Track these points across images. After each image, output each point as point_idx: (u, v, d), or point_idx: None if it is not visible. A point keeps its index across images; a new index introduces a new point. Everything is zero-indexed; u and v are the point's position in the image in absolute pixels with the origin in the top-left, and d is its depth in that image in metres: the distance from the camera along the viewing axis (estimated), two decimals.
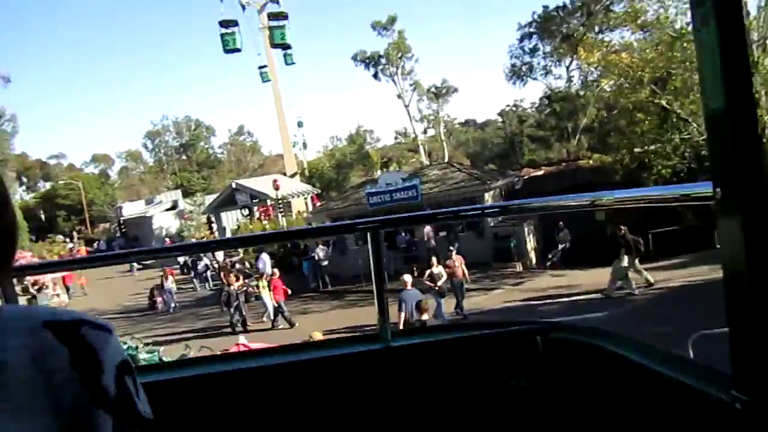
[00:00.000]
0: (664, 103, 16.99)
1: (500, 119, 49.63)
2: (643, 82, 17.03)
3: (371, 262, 1.41)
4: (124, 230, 42.47)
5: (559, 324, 1.47)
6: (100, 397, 0.81)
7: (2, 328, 0.79)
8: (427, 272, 13.73)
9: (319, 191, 34.90)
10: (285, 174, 34.38)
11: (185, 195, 42.24)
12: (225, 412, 1.31)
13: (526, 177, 25.00)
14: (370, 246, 1.40)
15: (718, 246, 0.82)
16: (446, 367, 1.38)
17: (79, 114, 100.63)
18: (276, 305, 15.17)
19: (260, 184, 29.49)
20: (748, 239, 0.74)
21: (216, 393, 1.34)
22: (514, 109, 45.76)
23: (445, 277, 13.58)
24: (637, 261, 13.55)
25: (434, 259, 14.12)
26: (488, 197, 20.16)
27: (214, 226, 31.28)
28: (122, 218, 43.18)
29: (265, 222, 27.39)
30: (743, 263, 0.74)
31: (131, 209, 44.85)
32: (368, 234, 1.42)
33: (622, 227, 13.65)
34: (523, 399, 1.40)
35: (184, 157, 62.06)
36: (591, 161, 21.05)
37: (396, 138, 47.60)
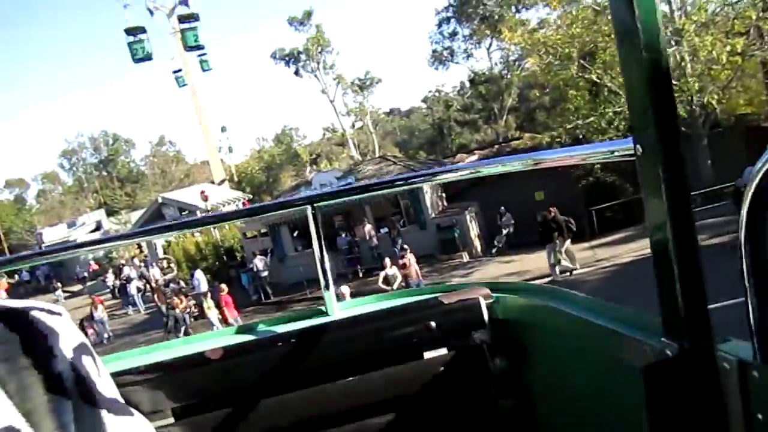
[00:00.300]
0: (594, 77, 16.72)
1: (425, 105, 49.23)
2: (572, 57, 16.71)
3: (313, 237, 1.45)
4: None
5: (504, 285, 1.46)
6: (54, 383, 0.79)
7: None
8: (381, 275, 12.94)
9: (251, 196, 33.94)
10: (213, 182, 33.01)
11: (109, 214, 40.17)
12: (181, 395, 1.28)
13: (461, 163, 24.62)
14: (310, 221, 1.43)
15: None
16: (393, 334, 1.36)
17: None
18: (233, 322, 13.97)
19: (188, 195, 28.43)
20: (668, 192, 0.79)
21: (175, 377, 1.29)
22: (437, 94, 45.46)
23: (399, 278, 12.85)
24: (568, 242, 13.27)
25: (387, 260, 13.36)
26: (428, 188, 19.48)
27: (144, 244, 29.60)
28: (43, 245, 40.50)
29: (197, 235, 25.95)
30: (665, 215, 0.80)
31: (52, 234, 42.21)
32: (308, 210, 1.44)
33: (551, 209, 13.34)
34: (471, 359, 1.39)
35: (104, 174, 59.22)
36: (528, 142, 20.69)
37: (324, 134, 46.53)
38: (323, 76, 38.44)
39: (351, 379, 1.35)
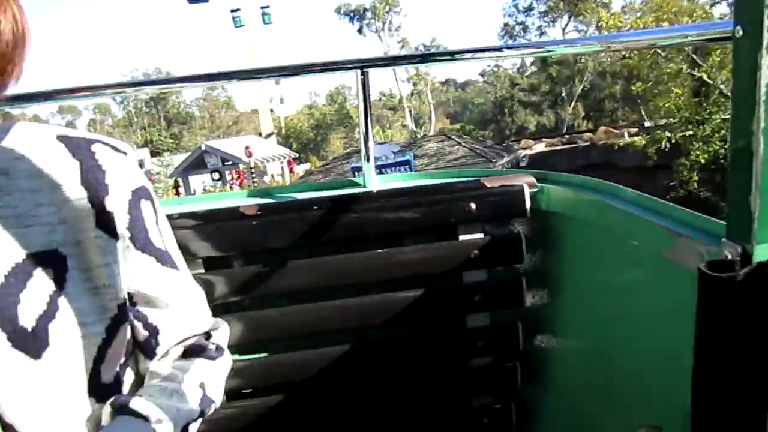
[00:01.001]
0: (704, 76, 14.20)
1: (482, 80, 46.63)
2: (683, 50, 14.23)
3: (359, 104, 1.36)
4: None
5: (551, 174, 1.39)
6: (106, 220, 0.80)
7: (15, 139, 0.79)
8: None
9: (297, 154, 33.03)
10: (260, 134, 31.67)
11: (153, 154, 38.95)
12: (213, 246, 1.29)
13: (530, 152, 22.05)
14: (358, 87, 1.34)
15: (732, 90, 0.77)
16: (430, 211, 1.32)
17: (42, 63, 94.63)
18: None
19: (232, 146, 27.59)
20: (764, 77, 0.72)
21: (208, 227, 1.29)
22: (495, 69, 42.79)
23: None
24: None
25: None
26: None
27: (182, 189, 28.84)
28: None
29: (236, 188, 24.39)
30: (755, 105, 0.72)
31: None
32: (357, 74, 1.34)
33: None
34: (506, 247, 1.35)
35: (154, 111, 57.98)
36: (603, 136, 18.23)
37: (380, 98, 44.23)
38: (387, 38, 36.68)
39: (382, 251, 1.34)
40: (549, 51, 1.46)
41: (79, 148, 0.81)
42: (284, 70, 1.45)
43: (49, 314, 0.75)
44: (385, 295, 1.35)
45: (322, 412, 1.42)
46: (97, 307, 0.80)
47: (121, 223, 0.81)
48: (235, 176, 27.17)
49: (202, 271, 1.31)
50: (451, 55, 1.48)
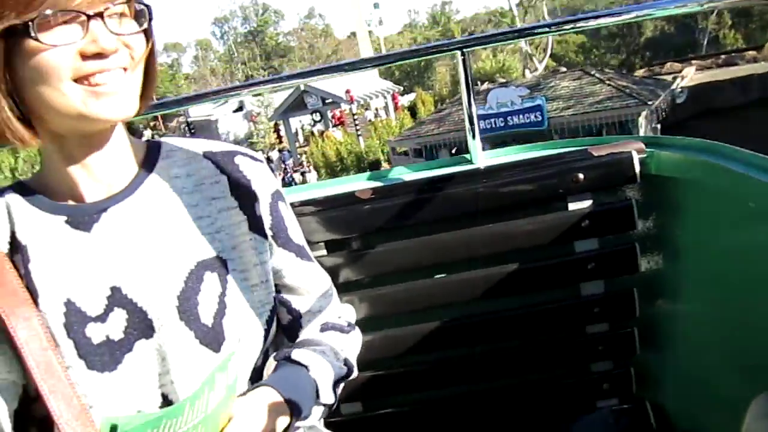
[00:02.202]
0: None
1: None
2: None
3: (461, 83, 1.39)
4: (192, 131, 37.93)
5: (661, 138, 1.36)
6: (256, 223, 0.93)
7: (165, 158, 0.93)
8: None
9: (400, 88, 31.52)
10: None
11: (254, 93, 36.75)
12: (333, 230, 1.36)
13: (686, 83, 17.45)
14: (459, 67, 1.37)
15: None
16: (538, 183, 1.34)
17: None
18: None
19: (332, 84, 26.01)
20: None
21: (327, 212, 1.36)
22: None
23: None
24: None
25: None
26: (642, 120, 13.68)
27: (283, 132, 29.19)
28: (189, 119, 38.46)
29: (336, 129, 24.46)
30: None
31: (198, 110, 40.11)
32: (458, 55, 1.36)
33: None
34: (617, 215, 1.34)
35: (253, 45, 56.47)
36: None
37: (489, 21, 39.23)
38: None
39: (493, 225, 1.38)
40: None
41: (225, 161, 0.94)
42: (388, 59, 1.59)
43: (221, 312, 0.90)
44: (497, 268, 1.39)
45: (437, 384, 1.49)
46: (257, 302, 0.95)
47: (267, 224, 0.96)
48: (337, 118, 25.75)
49: (324, 253, 1.41)
50: (548, 27, 1.55)
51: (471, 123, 1.43)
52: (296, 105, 27.96)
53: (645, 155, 1.32)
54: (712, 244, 1.26)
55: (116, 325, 0.87)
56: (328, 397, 0.97)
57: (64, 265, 0.87)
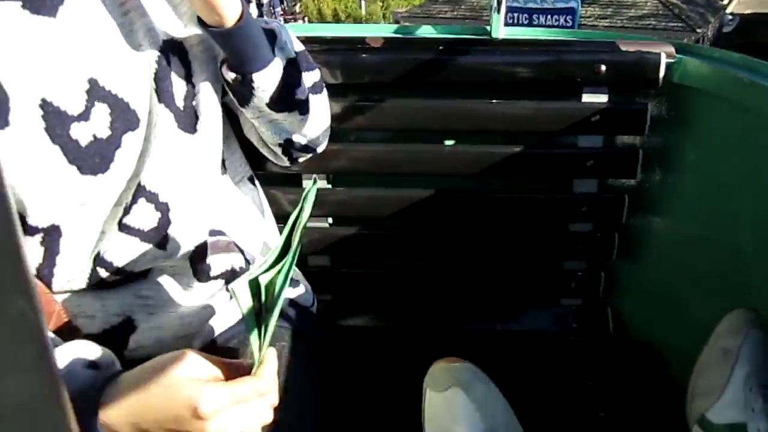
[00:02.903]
0: None
1: None
2: None
3: None
4: None
5: (694, 47, 1.37)
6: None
7: None
8: None
9: None
10: None
11: None
12: (338, 75, 1.40)
13: (736, 10, 16.93)
14: None
15: None
16: (556, 66, 1.37)
17: None
18: None
19: None
20: None
21: (333, 56, 1.40)
22: None
23: None
24: None
25: None
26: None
27: None
28: None
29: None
30: None
31: None
32: None
33: None
34: (631, 114, 1.38)
35: None
36: None
37: None
38: None
39: (500, 102, 1.40)
40: None
41: None
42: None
43: (190, 93, 0.95)
44: (494, 147, 1.43)
45: (409, 252, 1.58)
46: (219, 76, 1.00)
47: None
48: None
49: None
50: None
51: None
52: None
53: (673, 60, 1.33)
54: (722, 163, 1.30)
55: (101, 121, 0.86)
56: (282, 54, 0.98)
57: (31, 60, 0.79)
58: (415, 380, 1.11)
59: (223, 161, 1.09)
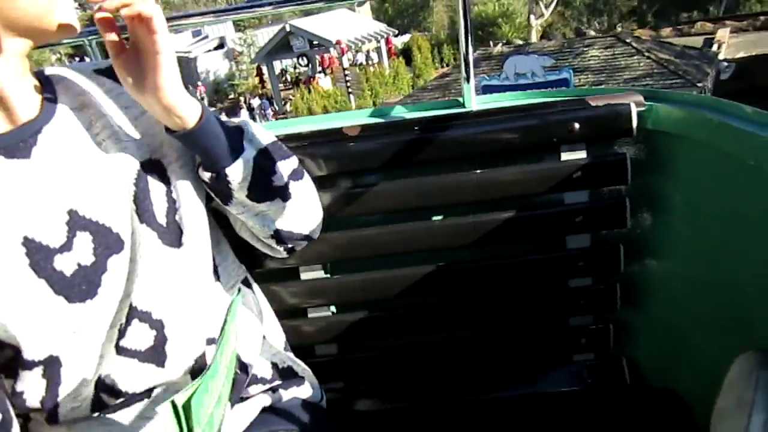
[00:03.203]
0: None
1: None
2: None
3: (460, 25, 1.45)
4: None
5: (661, 92, 1.45)
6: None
7: (58, 82, 1.00)
8: None
9: (395, 32, 31.14)
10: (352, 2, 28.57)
11: (237, 28, 36.41)
12: (316, 166, 1.49)
13: (729, 55, 17.28)
14: (459, 5, 1.43)
15: None
16: (532, 130, 1.45)
17: None
18: None
19: (320, 25, 26.70)
20: None
21: (312, 149, 1.49)
22: None
23: None
24: None
25: None
26: None
27: (266, 75, 29.59)
28: None
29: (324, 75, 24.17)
30: None
31: (175, 45, 39.09)
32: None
33: None
34: (610, 167, 1.45)
35: None
36: None
37: None
38: None
39: (482, 171, 1.47)
40: None
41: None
42: None
43: (171, 209, 1.00)
44: (484, 215, 1.49)
45: (415, 330, 1.62)
46: (202, 186, 1.06)
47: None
48: (326, 64, 25.59)
49: None
50: None
51: (467, 65, 1.51)
52: (281, 47, 28.08)
53: (644, 108, 1.39)
54: (705, 203, 1.34)
55: (84, 249, 0.91)
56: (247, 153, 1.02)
57: (10, 202, 0.85)
58: None
59: (216, 267, 1.13)
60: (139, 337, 0.98)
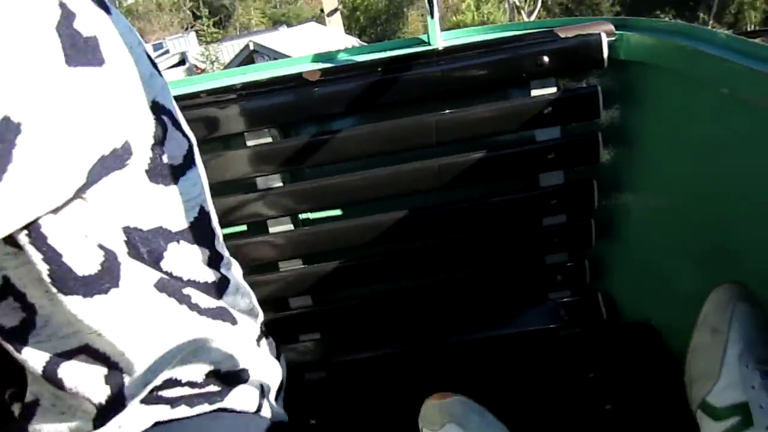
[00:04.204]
0: None
1: None
2: None
3: None
4: None
5: (632, 20, 1.43)
6: None
7: None
8: None
9: (365, 43, 28.40)
10: (322, 12, 28.35)
11: (200, 40, 35.65)
12: (279, 115, 1.47)
13: None
14: None
15: None
16: (500, 66, 1.42)
17: None
18: None
19: (287, 42, 25.94)
20: None
21: (272, 96, 1.45)
22: None
23: None
24: None
25: None
26: None
27: None
28: None
29: None
30: None
31: None
32: None
33: None
34: (581, 101, 1.42)
35: None
36: None
37: None
38: None
39: (450, 111, 1.45)
40: None
41: None
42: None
43: None
44: (454, 157, 1.47)
45: (389, 276, 1.61)
46: None
47: None
48: None
49: (269, 140, 1.49)
50: None
51: (430, 0, 1.50)
52: (245, 64, 26.24)
53: (614, 38, 1.38)
54: (680, 133, 1.33)
55: None
56: None
57: None
58: (412, 414, 1.12)
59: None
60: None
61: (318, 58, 1.60)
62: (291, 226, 1.56)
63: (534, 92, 1.44)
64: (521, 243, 1.57)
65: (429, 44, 1.54)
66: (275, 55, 24.75)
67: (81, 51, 0.74)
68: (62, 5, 0.74)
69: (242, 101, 1.43)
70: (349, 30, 33.23)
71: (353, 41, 27.68)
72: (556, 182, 1.51)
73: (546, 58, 1.39)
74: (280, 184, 1.53)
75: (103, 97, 0.77)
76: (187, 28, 41.82)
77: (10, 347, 0.91)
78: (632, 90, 1.43)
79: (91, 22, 0.77)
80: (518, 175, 1.52)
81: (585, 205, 1.51)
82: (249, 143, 1.49)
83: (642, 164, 1.47)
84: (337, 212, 1.57)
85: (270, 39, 26.76)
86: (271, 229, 1.55)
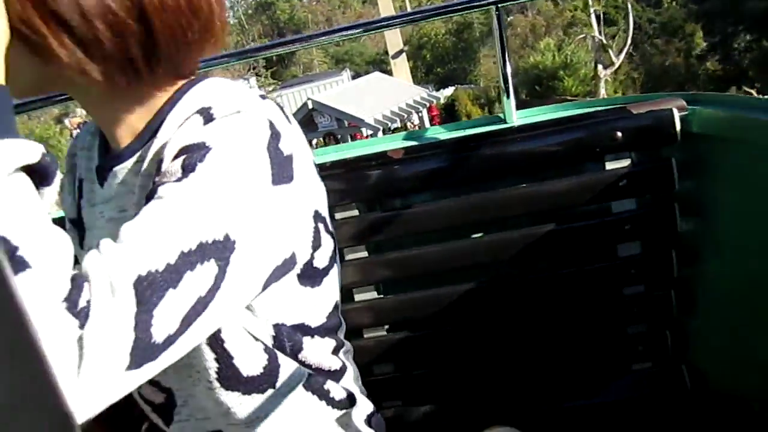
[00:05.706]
0: None
1: None
2: None
3: (496, 40, 1.56)
4: None
5: (703, 95, 1.48)
6: None
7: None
8: None
9: (438, 99, 27.34)
10: (386, 53, 27.09)
11: (260, 83, 35.94)
12: (365, 190, 1.55)
13: None
14: (494, 24, 1.53)
15: None
16: (574, 142, 1.47)
17: None
18: None
19: (349, 100, 23.43)
20: None
21: (358, 174, 1.54)
22: None
23: None
24: None
25: None
26: None
27: None
28: None
29: None
30: None
31: None
32: (492, 11, 1.53)
33: None
34: (656, 174, 1.48)
35: (264, 19, 56.79)
36: None
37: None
38: None
39: (527, 185, 1.53)
40: None
41: None
42: (412, 17, 1.74)
43: None
44: (532, 229, 1.55)
45: (471, 346, 1.66)
46: None
47: None
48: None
49: (356, 213, 1.61)
50: None
51: (505, 82, 1.60)
52: (304, 124, 24.08)
53: (686, 113, 1.44)
54: (755, 205, 1.37)
55: None
56: None
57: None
58: None
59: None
60: None
61: (402, 137, 1.73)
62: (375, 294, 1.66)
63: (609, 165, 1.50)
64: (601, 313, 1.62)
65: (505, 122, 1.63)
66: (336, 114, 23.24)
67: (283, 169, 0.79)
68: (271, 125, 0.80)
69: (332, 179, 1.52)
70: (414, 69, 32.17)
71: (421, 93, 25.84)
72: (634, 252, 1.56)
73: (620, 134, 1.46)
74: (365, 254, 1.63)
75: (288, 212, 0.81)
76: (249, 70, 42.72)
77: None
78: (706, 161, 1.49)
79: (289, 140, 0.83)
80: (596, 246, 1.58)
81: (664, 274, 1.55)
82: (337, 216, 1.59)
83: (719, 233, 1.51)
84: (420, 282, 1.64)
85: (329, 96, 24.36)
86: (357, 297, 1.64)
